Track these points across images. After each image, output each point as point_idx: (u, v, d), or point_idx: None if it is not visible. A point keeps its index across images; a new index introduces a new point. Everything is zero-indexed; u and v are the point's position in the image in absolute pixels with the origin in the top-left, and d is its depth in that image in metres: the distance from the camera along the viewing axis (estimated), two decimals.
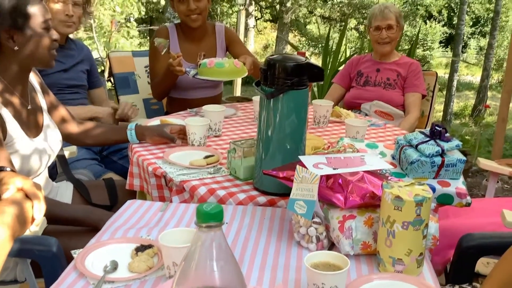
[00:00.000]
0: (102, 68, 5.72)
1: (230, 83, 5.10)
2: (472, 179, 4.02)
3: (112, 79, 2.84)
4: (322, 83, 4.09)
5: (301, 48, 17.76)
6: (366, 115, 2.79)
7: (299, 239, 1.27)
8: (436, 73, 3.05)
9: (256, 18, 18.45)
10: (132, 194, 1.85)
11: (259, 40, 19.66)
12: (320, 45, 14.30)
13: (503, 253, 1.27)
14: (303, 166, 1.27)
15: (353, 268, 1.17)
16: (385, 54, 2.90)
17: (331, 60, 4.28)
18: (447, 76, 12.70)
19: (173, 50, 2.57)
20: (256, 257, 1.20)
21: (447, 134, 1.57)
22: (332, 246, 1.27)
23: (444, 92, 12.09)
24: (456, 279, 1.50)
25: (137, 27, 7.19)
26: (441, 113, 11.97)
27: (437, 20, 21.24)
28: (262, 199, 1.49)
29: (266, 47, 19.18)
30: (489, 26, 13.94)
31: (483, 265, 1.62)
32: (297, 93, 1.45)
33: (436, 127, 1.56)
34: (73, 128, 1.85)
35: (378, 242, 1.17)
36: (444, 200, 1.51)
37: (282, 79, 1.43)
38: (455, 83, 11.85)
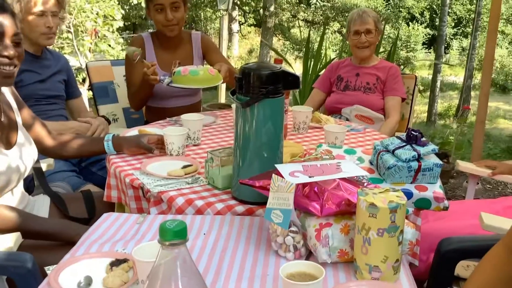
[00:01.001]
0: (84, 76, 5.69)
1: (215, 89, 5.09)
2: (455, 180, 4.06)
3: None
4: (303, 89, 4.10)
5: (286, 52, 17.82)
6: (347, 119, 2.81)
7: (276, 248, 1.27)
8: (416, 76, 3.08)
9: (240, 23, 18.51)
10: (111, 206, 1.83)
11: (244, 45, 19.70)
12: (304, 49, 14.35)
13: (482, 256, 1.28)
14: (280, 174, 1.27)
15: (331, 276, 1.17)
16: (364, 59, 2.92)
17: (312, 64, 4.29)
18: (431, 77, 12.83)
19: (149, 59, 2.57)
20: (234, 268, 1.19)
21: (423, 139, 1.57)
22: (310, 254, 1.26)
23: (428, 93, 12.21)
24: (436, 283, 1.51)
25: (120, 34, 7.15)
26: (426, 114, 12.08)
27: (419, 21, 21.47)
28: (241, 208, 1.48)
29: (250, 52, 19.21)
30: (471, 26, 14.12)
31: (463, 268, 1.63)
32: (273, 101, 1.44)
33: (412, 132, 1.56)
34: (50, 141, 1.83)
35: (355, 249, 1.17)
36: (421, 205, 1.52)
37: (257, 88, 1.42)
38: (438, 83, 11.97)
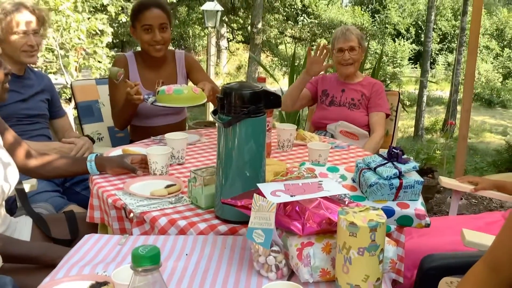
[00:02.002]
0: (70, 94, 5.65)
1: (203, 105, 5.09)
2: (441, 195, 4.08)
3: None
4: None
5: (274, 68, 17.95)
6: (332, 135, 2.82)
7: (258, 268, 1.26)
8: (399, 93, 3.11)
9: (228, 39, 18.62)
10: (94, 227, 1.82)
11: (232, 61, 19.81)
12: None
13: (464, 272, 1.29)
14: (261, 194, 1.27)
15: None
16: (349, 75, 2.95)
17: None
18: (417, 91, 12.96)
19: (133, 78, 2.57)
20: None
21: (404, 156, 1.59)
22: (292, 274, 1.26)
23: (415, 108, 12.33)
24: None
25: (112, 56, 7.17)
26: (413, 129, 12.19)
27: (405, 37, 21.77)
28: (224, 227, 1.47)
29: (239, 68, 19.33)
30: (456, 42, 14.32)
31: (447, 285, 1.63)
32: (254, 120, 1.45)
33: (393, 150, 1.58)
34: (32, 162, 1.81)
35: (336, 268, 1.17)
36: (403, 222, 1.52)
37: (239, 107, 1.43)
38: (425, 98, 12.10)
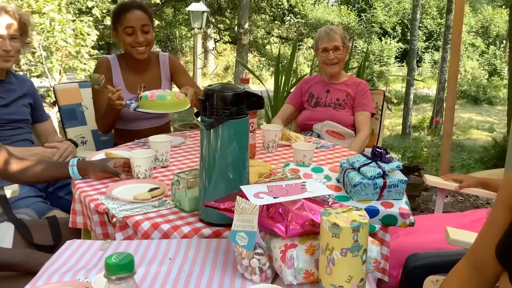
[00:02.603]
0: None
1: (191, 107, 5.07)
2: (428, 192, 4.10)
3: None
4: (276, 105, 4.12)
5: (262, 68, 17.95)
6: (318, 135, 2.82)
7: (242, 271, 1.25)
8: (384, 92, 3.12)
9: (216, 40, 18.59)
10: (77, 232, 1.79)
11: (220, 62, 19.79)
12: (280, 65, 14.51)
13: (448, 271, 1.29)
14: (244, 196, 1.26)
15: None
16: (334, 75, 2.95)
17: (283, 80, 4.32)
18: (404, 90, 13.04)
19: (117, 81, 2.55)
20: None
21: (388, 155, 1.59)
22: (276, 276, 1.25)
23: (402, 106, 12.40)
24: None
25: (96, 54, 7.12)
26: (401, 127, 12.26)
27: (391, 36, 21.89)
28: (207, 231, 1.46)
29: (226, 69, 19.30)
30: (442, 40, 14.42)
31: (432, 283, 1.63)
32: (237, 122, 1.44)
33: (377, 149, 1.58)
34: (12, 167, 1.79)
35: (320, 270, 1.16)
36: (388, 221, 1.52)
37: (221, 109, 1.42)
38: (411, 96, 12.17)
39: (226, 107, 1.42)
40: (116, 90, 2.25)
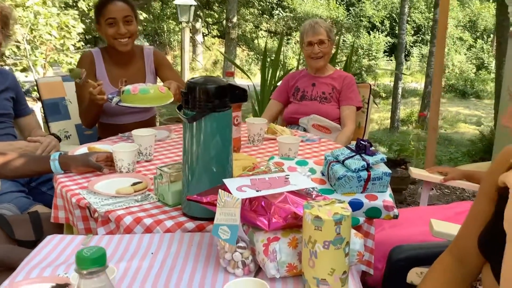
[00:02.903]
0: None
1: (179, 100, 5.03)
2: (414, 186, 4.12)
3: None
4: (262, 99, 4.11)
5: (251, 63, 17.91)
6: (304, 129, 2.81)
7: (225, 265, 1.24)
8: (370, 85, 3.12)
9: (204, 34, 18.50)
10: (60, 227, 1.77)
11: (208, 56, 19.70)
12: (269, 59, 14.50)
13: (432, 263, 1.29)
14: (227, 189, 1.25)
15: None
16: (319, 69, 2.94)
17: (270, 74, 4.30)
18: (393, 84, 13.07)
19: (100, 75, 2.52)
20: (181, 287, 1.16)
21: (372, 148, 1.58)
22: (259, 270, 1.24)
23: (391, 100, 12.43)
24: None
25: (82, 47, 7.05)
26: (389, 121, 12.30)
27: (380, 30, 21.92)
28: (191, 225, 1.45)
29: (215, 63, 19.22)
30: (430, 34, 14.47)
31: (417, 275, 1.64)
32: (220, 115, 1.43)
33: (361, 142, 1.57)
34: None
35: (302, 263, 1.16)
36: (372, 214, 1.52)
37: (204, 102, 1.41)
38: (400, 90, 12.20)
39: (209, 100, 1.40)
40: (97, 85, 2.22)
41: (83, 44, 7.91)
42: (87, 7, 7.22)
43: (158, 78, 2.71)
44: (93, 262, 0.61)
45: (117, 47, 2.48)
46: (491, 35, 21.47)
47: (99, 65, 2.55)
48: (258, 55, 17.35)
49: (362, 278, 1.71)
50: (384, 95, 15.47)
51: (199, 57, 18.34)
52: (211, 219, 1.42)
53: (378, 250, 1.74)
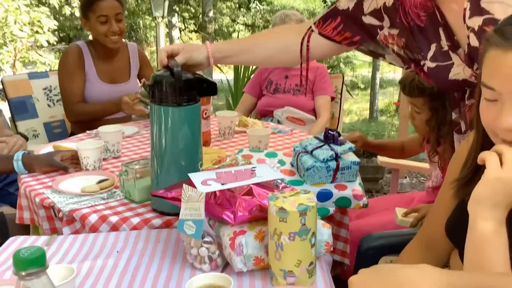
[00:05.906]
0: None
1: None
2: (390, 175, 4.14)
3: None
4: (236, 93, 4.08)
5: None
6: (279, 121, 2.80)
7: (192, 261, 1.22)
8: (343, 75, 3.12)
9: (180, 29, 18.32)
10: (27, 229, 1.73)
11: None
12: None
13: (401, 251, 1.29)
14: (192, 184, 1.23)
15: (247, 285, 1.14)
16: None
17: (242, 67, 4.26)
18: (371, 74, 13.14)
19: (89, 69, 2.53)
20: (146, 285, 1.14)
21: (340, 138, 1.57)
22: (227, 264, 1.22)
23: (369, 91, 12.50)
24: None
25: (56, 44, 6.92)
26: (368, 111, 12.37)
27: None
28: (158, 221, 1.42)
29: None
30: None
31: (387, 264, 1.64)
32: (187, 109, 1.40)
33: (329, 132, 1.56)
34: None
35: (269, 255, 1.14)
36: (342, 204, 1.51)
37: (170, 96, 1.37)
38: (378, 80, 12.28)
39: (175, 93, 1.37)
40: (134, 97, 2.32)
41: (56, 40, 7.77)
42: (58, 4, 7.09)
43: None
44: (31, 263, 0.58)
45: (108, 44, 2.48)
46: None
47: (87, 58, 2.54)
48: None
49: (338, 269, 1.71)
50: (362, 86, 15.55)
51: None
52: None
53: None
